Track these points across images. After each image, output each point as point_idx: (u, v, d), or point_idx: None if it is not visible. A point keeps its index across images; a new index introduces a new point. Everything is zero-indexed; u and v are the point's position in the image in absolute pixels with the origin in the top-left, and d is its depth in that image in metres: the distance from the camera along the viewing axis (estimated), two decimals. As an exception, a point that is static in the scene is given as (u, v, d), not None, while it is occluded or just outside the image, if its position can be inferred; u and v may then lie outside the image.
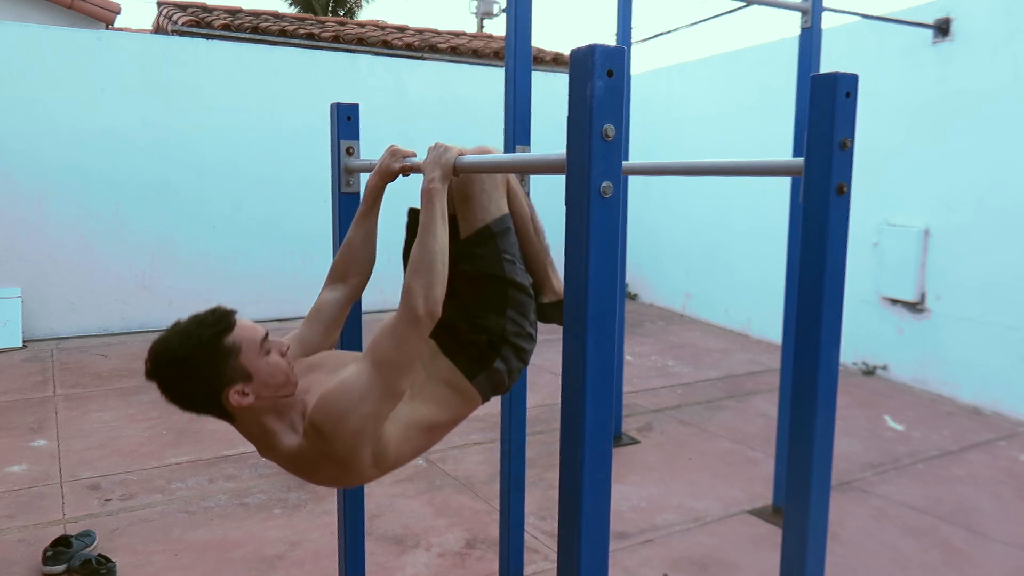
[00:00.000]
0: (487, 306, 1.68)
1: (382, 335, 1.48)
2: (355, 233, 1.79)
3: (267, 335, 1.49)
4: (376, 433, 1.47)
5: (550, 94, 5.92)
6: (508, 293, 1.69)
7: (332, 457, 1.46)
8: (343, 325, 1.82)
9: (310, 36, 8.09)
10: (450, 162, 1.55)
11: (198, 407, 1.47)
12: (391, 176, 1.75)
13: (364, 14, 17.72)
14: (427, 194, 1.54)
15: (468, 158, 1.57)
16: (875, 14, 4.79)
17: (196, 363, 1.40)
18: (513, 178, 1.81)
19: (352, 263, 1.79)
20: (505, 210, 1.74)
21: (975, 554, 2.95)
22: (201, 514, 3.18)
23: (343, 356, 1.73)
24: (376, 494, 3.34)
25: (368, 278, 1.83)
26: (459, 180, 1.71)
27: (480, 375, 1.67)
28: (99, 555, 2.72)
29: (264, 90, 6.91)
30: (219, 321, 1.44)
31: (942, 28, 5.01)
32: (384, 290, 3.70)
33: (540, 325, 1.81)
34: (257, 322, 1.51)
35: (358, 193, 2.04)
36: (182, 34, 7.58)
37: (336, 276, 1.80)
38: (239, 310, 1.51)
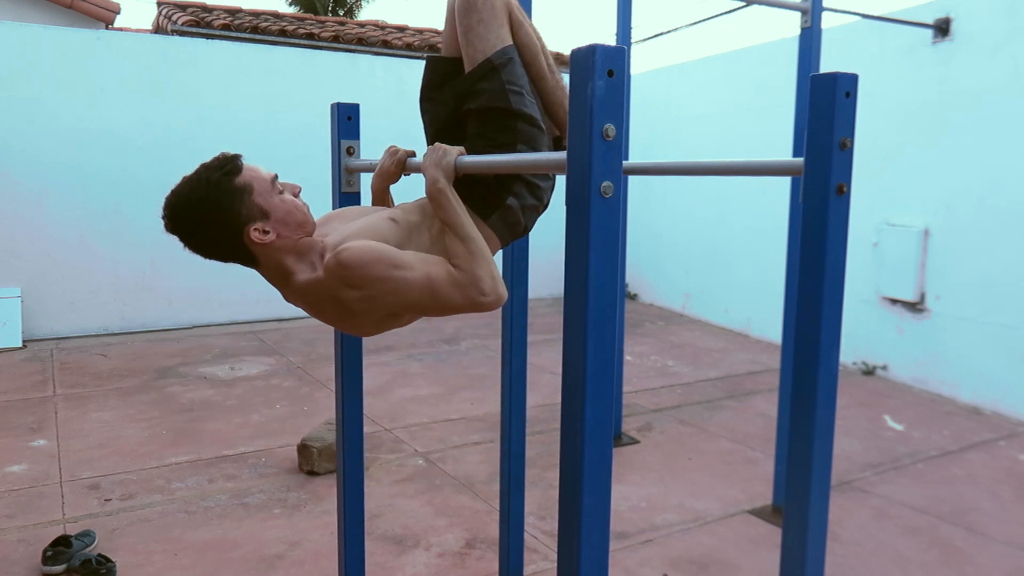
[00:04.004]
0: (494, 143, 1.63)
1: (447, 284, 1.48)
2: None
3: (276, 177, 1.49)
4: (388, 312, 1.49)
5: (550, 94, 5.91)
6: (516, 127, 1.62)
7: (342, 303, 1.47)
8: None
9: (310, 36, 8.10)
10: (451, 164, 1.55)
11: (222, 252, 1.48)
12: (392, 177, 1.75)
13: (364, 14, 17.72)
14: (437, 195, 1.53)
15: (468, 158, 1.57)
16: (875, 14, 4.79)
17: (212, 205, 1.41)
18: (516, 7, 1.70)
19: None
20: (508, 41, 1.67)
21: (975, 554, 2.95)
22: (201, 514, 3.18)
23: (360, 209, 1.73)
24: (376, 494, 3.34)
25: None
26: (459, 14, 1.66)
27: (494, 215, 1.64)
28: (99, 555, 2.72)
29: (264, 90, 6.90)
30: (226, 163, 1.44)
31: (942, 28, 5.01)
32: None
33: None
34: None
35: (359, 193, 2.04)
36: (182, 34, 7.58)
37: None
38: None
